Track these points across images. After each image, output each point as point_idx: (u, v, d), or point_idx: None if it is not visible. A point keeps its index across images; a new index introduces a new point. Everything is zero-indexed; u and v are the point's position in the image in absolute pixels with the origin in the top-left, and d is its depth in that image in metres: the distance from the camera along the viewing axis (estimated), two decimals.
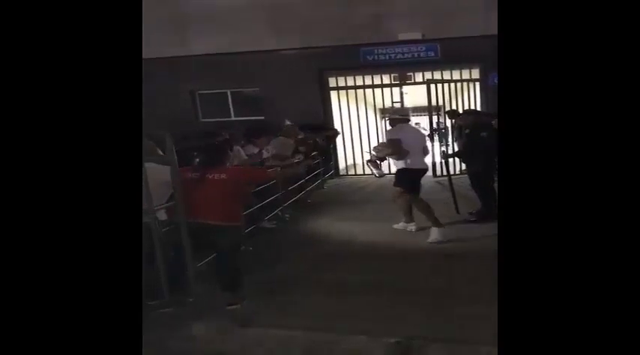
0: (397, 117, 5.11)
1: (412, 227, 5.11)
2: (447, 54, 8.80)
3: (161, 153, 3.39)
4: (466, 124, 5.97)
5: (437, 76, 8.94)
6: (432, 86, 8.59)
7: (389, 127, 5.17)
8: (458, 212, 5.75)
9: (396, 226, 5.23)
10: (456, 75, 9.03)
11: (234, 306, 3.29)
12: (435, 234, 4.69)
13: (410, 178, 4.85)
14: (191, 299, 3.34)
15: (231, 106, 9.99)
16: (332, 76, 9.54)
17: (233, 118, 9.86)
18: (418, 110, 19.29)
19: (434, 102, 8.64)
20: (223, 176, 3.37)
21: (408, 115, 5.38)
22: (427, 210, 4.81)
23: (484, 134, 5.43)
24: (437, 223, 4.74)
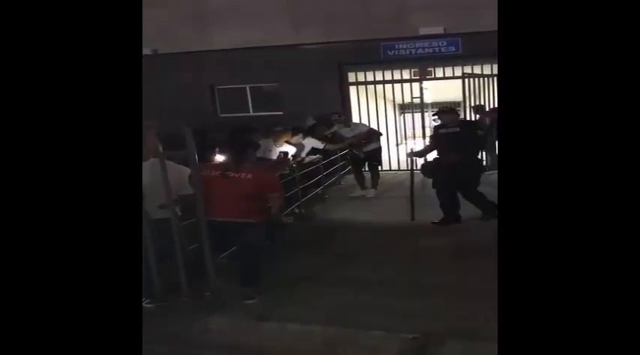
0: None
1: (367, 192, 6.90)
2: (469, 49, 8.67)
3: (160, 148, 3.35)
4: (445, 122, 5.40)
5: (457, 71, 8.81)
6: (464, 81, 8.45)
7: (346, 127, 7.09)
8: (412, 219, 5.40)
9: (352, 195, 6.98)
10: (477, 70, 8.90)
11: (251, 301, 3.32)
12: (359, 192, 6.99)
13: (353, 159, 7.12)
14: (208, 293, 3.37)
15: (250, 101, 10.03)
16: (351, 71, 9.49)
17: (252, 114, 9.90)
18: (438, 106, 19.08)
19: (457, 98, 8.57)
20: (249, 176, 3.36)
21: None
22: (358, 178, 7.07)
23: (458, 130, 5.18)
24: (363, 187, 6.99)
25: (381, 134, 7.79)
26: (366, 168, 7.20)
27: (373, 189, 6.98)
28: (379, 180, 7.12)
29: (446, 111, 5.66)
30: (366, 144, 6.83)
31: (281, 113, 9.26)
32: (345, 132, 6.97)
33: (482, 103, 8.57)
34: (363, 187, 7.00)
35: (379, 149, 7.21)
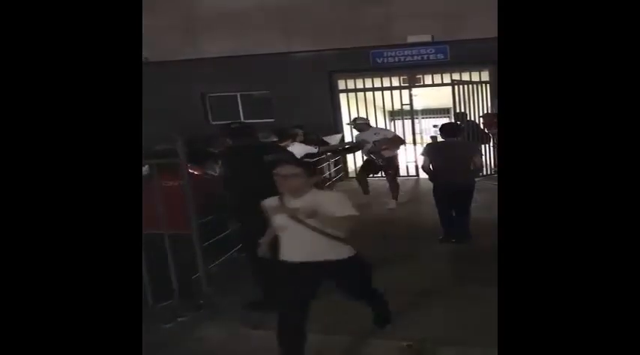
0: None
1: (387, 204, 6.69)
2: (457, 56, 8.77)
3: None
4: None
5: (446, 78, 8.90)
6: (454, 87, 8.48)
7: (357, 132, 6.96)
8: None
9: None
10: (465, 77, 8.99)
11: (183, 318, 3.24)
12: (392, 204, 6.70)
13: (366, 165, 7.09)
14: (202, 301, 3.36)
15: (241, 109, 10.05)
16: (341, 79, 9.54)
17: (243, 121, 9.91)
18: (427, 112, 19.29)
19: (446, 105, 8.62)
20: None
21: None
22: (363, 184, 6.97)
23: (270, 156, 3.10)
24: (366, 192, 6.94)
25: (404, 141, 7.37)
26: (381, 175, 7.08)
27: (394, 200, 6.69)
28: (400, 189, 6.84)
29: (239, 130, 3.48)
30: (387, 151, 6.50)
31: (272, 120, 9.28)
32: (367, 135, 6.63)
33: (465, 111, 8.61)
34: (366, 192, 6.90)
35: (395, 157, 6.81)
